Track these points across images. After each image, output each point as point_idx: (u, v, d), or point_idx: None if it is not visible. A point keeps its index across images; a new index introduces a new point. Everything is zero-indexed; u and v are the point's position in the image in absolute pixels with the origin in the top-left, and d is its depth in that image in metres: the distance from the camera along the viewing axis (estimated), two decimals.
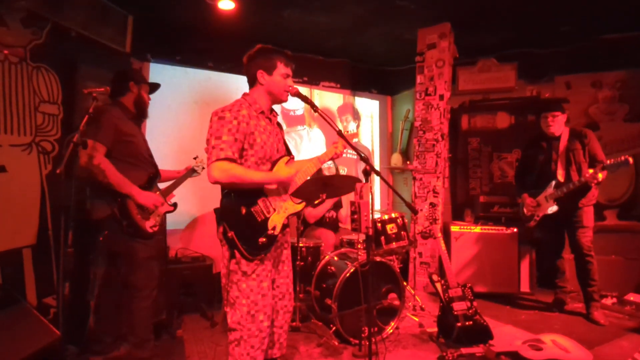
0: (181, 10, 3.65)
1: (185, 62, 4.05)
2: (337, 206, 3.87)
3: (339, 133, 1.90)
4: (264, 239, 1.76)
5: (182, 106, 4.05)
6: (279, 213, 1.84)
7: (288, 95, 1.92)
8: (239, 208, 1.75)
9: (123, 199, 2.15)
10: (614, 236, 3.74)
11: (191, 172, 2.72)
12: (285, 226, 1.90)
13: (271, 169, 1.85)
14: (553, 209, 3.13)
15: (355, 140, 5.22)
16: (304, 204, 1.94)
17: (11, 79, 2.44)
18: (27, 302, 2.41)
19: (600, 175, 2.82)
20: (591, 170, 2.88)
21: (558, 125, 3.17)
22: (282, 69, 1.87)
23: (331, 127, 1.85)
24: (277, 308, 1.96)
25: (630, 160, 2.72)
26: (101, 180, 2.09)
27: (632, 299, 3.34)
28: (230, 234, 1.72)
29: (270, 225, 1.80)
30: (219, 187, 1.82)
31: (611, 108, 3.97)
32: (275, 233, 1.81)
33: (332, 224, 3.78)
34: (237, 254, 1.75)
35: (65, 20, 2.82)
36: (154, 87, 2.60)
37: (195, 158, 2.79)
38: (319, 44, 4.50)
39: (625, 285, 3.55)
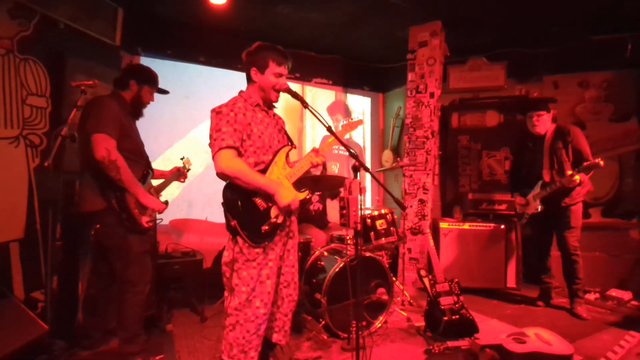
0: (172, 4, 3.62)
1: (176, 57, 4.03)
2: (324, 197, 3.89)
3: (329, 129, 1.92)
4: (267, 227, 1.79)
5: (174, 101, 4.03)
6: None
7: (278, 96, 1.95)
8: (241, 197, 1.78)
9: (122, 192, 2.13)
10: (598, 233, 3.83)
11: (177, 174, 2.67)
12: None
13: (272, 159, 1.89)
14: (539, 208, 3.20)
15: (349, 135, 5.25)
16: (307, 192, 1.96)
17: None
18: (15, 296, 2.39)
19: (577, 178, 2.87)
20: (569, 172, 2.94)
21: (543, 124, 3.22)
22: (274, 68, 1.90)
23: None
24: (282, 295, 2.01)
25: (601, 163, 2.78)
26: (114, 175, 2.05)
27: (614, 294, 3.43)
28: (233, 222, 1.76)
29: (273, 213, 1.83)
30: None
31: (597, 108, 4.05)
32: (279, 222, 1.85)
33: (320, 218, 3.80)
34: (240, 241, 1.79)
35: (53, 11, 2.78)
36: (162, 92, 2.53)
37: (182, 158, 2.77)
38: (311, 40, 4.50)
39: (608, 281, 3.65)
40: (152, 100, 2.44)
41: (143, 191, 2.19)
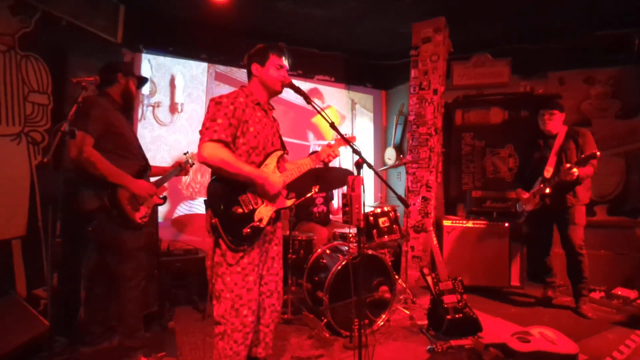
0: (174, 0, 3.60)
1: (178, 54, 4.02)
2: (328, 199, 3.87)
3: (332, 125, 1.89)
4: (248, 230, 1.74)
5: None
6: (267, 206, 1.82)
7: (282, 85, 1.91)
8: (225, 195, 1.73)
9: (113, 188, 2.15)
10: (603, 231, 3.79)
11: (178, 169, 2.66)
12: (273, 219, 1.88)
13: (263, 161, 1.84)
14: (537, 205, 3.16)
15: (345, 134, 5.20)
16: (294, 199, 1.93)
17: None
18: (17, 293, 2.40)
19: (575, 170, 2.85)
20: (567, 165, 2.91)
21: (555, 123, 3.19)
22: (274, 60, 1.88)
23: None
24: (264, 306, 1.92)
25: (598, 153, 2.81)
26: (92, 172, 2.07)
27: (619, 293, 3.39)
28: (214, 220, 1.69)
29: (256, 216, 1.77)
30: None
31: (603, 104, 4.00)
32: (262, 225, 1.78)
33: (323, 219, 3.79)
34: (223, 245, 1.73)
35: (55, 8, 2.77)
36: (143, 80, 2.59)
37: (185, 153, 2.76)
38: (313, 36, 4.48)
39: (614, 280, 3.61)
40: (138, 91, 2.47)
41: (131, 179, 2.20)
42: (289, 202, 1.91)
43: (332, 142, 2.10)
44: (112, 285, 2.30)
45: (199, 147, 1.70)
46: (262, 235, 1.82)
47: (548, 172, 3.14)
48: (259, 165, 1.83)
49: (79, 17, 2.98)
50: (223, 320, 1.74)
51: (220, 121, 1.71)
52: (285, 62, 1.91)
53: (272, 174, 1.81)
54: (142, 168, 2.34)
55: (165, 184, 2.62)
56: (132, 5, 3.49)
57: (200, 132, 1.74)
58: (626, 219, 3.82)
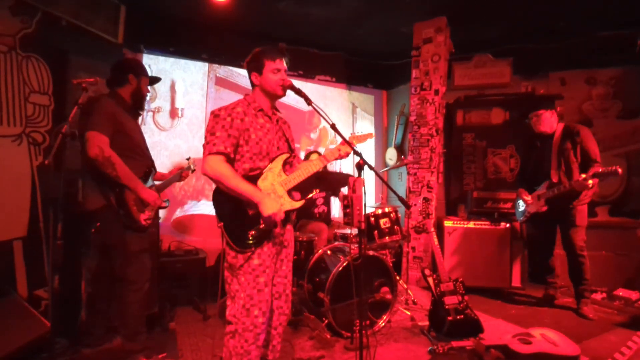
0: (175, 0, 3.60)
1: (179, 54, 4.01)
2: (328, 199, 3.86)
3: (333, 127, 1.89)
4: (254, 232, 1.75)
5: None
6: None
7: (282, 88, 1.91)
8: (230, 200, 1.74)
9: (121, 189, 2.14)
10: (604, 232, 3.78)
11: (179, 174, 2.66)
12: (283, 221, 1.86)
13: (268, 165, 1.85)
14: (542, 208, 3.14)
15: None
16: (302, 201, 1.92)
17: (0, 68, 2.40)
18: (18, 294, 2.40)
19: (590, 182, 2.77)
20: (583, 176, 2.83)
21: (545, 123, 3.14)
22: (270, 65, 1.88)
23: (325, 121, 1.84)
24: (273, 307, 1.93)
25: (620, 171, 2.66)
26: (109, 172, 2.06)
27: (621, 294, 3.38)
28: (220, 224, 1.72)
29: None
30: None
31: (605, 105, 3.99)
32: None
33: (324, 219, 3.78)
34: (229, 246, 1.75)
35: (55, 8, 2.78)
36: (154, 80, 2.58)
37: (187, 159, 2.76)
38: (314, 36, 4.47)
39: (615, 281, 3.60)
40: (148, 91, 2.46)
41: (142, 186, 2.20)
42: (297, 204, 1.90)
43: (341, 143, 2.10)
44: (113, 287, 2.30)
45: (202, 160, 1.75)
46: (272, 238, 1.82)
47: (554, 176, 3.10)
48: (264, 170, 1.83)
49: (80, 18, 2.99)
50: (234, 320, 1.77)
51: (219, 134, 1.74)
52: (282, 64, 1.91)
53: (269, 198, 1.75)
54: (149, 170, 2.34)
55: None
56: (133, 6, 3.49)
57: (203, 145, 1.78)
58: (628, 220, 3.82)
